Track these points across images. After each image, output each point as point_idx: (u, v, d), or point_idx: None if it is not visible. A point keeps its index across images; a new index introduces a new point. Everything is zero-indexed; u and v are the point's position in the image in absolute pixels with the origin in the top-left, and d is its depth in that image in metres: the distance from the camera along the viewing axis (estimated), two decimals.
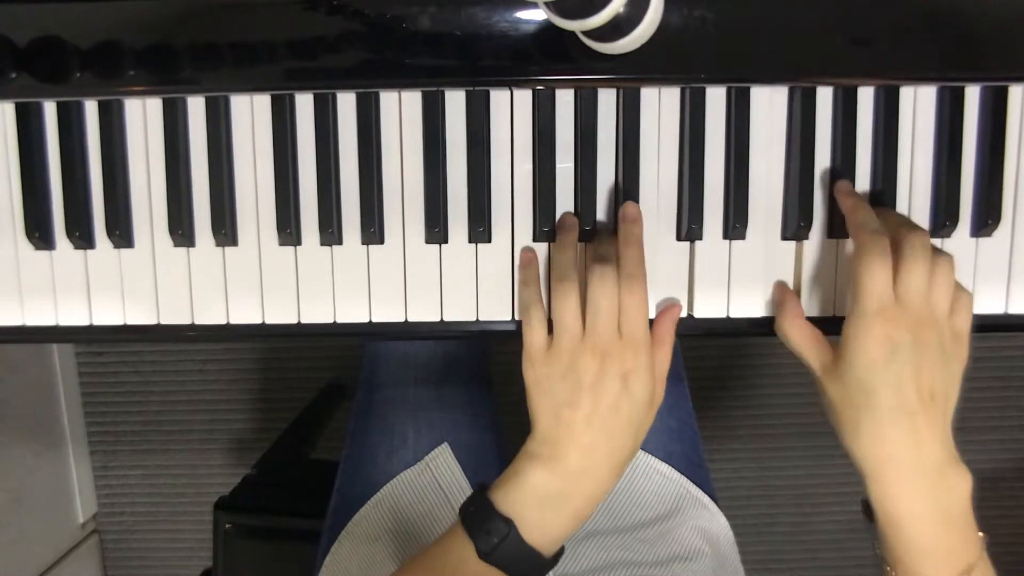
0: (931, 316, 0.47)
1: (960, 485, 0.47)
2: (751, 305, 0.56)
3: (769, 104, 0.55)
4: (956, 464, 0.48)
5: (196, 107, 0.55)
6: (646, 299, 0.50)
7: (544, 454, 0.50)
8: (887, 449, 0.47)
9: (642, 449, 0.72)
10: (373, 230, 0.55)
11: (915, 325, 0.47)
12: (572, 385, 0.49)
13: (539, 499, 0.49)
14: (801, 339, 0.52)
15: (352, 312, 0.56)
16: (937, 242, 0.56)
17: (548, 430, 0.50)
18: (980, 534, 0.48)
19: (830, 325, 0.52)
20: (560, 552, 0.51)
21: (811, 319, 0.53)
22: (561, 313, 0.50)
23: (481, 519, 0.49)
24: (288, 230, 0.55)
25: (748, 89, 0.54)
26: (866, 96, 0.55)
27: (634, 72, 0.51)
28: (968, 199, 0.55)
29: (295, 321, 0.57)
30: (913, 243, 0.47)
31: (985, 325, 0.56)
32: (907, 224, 0.50)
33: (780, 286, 0.56)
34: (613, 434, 0.50)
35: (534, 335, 0.51)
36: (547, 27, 0.49)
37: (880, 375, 0.47)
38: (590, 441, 0.49)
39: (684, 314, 0.56)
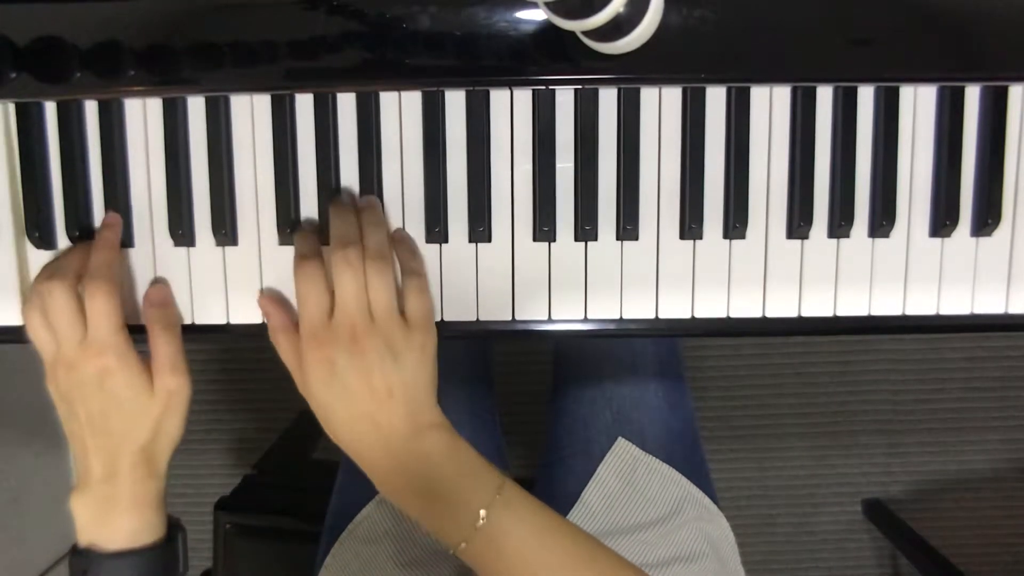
0: (366, 322, 0.49)
1: (431, 448, 0.50)
2: (751, 305, 0.56)
3: (769, 104, 0.55)
4: (421, 432, 0.50)
5: (196, 107, 0.55)
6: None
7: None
8: (357, 448, 0.51)
9: (642, 449, 0.72)
10: None
11: (349, 340, 0.49)
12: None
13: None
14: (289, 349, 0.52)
15: None
16: (937, 242, 0.56)
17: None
18: (496, 473, 0.50)
19: (831, 325, 0.52)
20: (169, 536, 0.55)
21: (811, 318, 0.53)
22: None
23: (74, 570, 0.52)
24: (288, 229, 0.55)
25: (748, 89, 0.54)
26: (866, 96, 0.55)
27: (634, 72, 0.51)
28: (968, 199, 0.55)
29: None
30: (336, 261, 0.49)
31: (985, 325, 0.56)
32: (338, 241, 0.51)
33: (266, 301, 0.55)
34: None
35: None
36: (547, 27, 0.49)
37: (329, 392, 0.50)
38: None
39: (686, 315, 0.56)
